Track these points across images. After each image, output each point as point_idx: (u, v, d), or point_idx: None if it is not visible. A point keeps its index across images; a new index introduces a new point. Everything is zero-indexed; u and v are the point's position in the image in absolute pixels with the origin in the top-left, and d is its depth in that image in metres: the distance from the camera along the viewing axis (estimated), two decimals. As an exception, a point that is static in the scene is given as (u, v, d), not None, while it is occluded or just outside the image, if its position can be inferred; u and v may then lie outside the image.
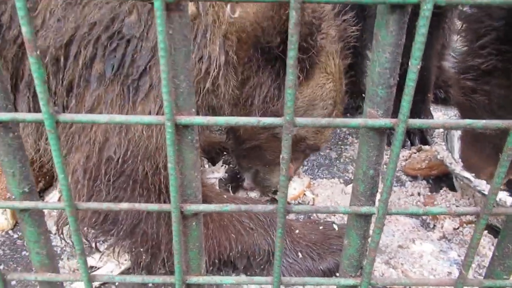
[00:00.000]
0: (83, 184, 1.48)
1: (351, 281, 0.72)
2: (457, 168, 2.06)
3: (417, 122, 0.57)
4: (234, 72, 1.50)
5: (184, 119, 0.57)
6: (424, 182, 2.41)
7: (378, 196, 0.64)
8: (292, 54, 0.52)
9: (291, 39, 0.51)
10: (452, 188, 2.28)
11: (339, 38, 1.75)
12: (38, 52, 0.52)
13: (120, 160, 1.42)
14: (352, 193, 0.67)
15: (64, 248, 1.90)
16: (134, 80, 1.36)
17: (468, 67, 1.76)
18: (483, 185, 1.95)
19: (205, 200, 1.70)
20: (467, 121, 0.57)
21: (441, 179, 2.38)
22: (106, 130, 1.41)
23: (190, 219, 0.67)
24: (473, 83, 1.77)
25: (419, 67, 0.52)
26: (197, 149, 0.62)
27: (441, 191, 2.26)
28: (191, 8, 1.33)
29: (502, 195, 1.88)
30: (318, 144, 1.96)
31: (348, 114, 3.03)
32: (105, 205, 0.64)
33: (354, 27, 1.78)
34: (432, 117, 2.87)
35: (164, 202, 1.53)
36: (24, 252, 1.89)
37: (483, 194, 1.93)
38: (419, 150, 2.62)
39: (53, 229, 1.86)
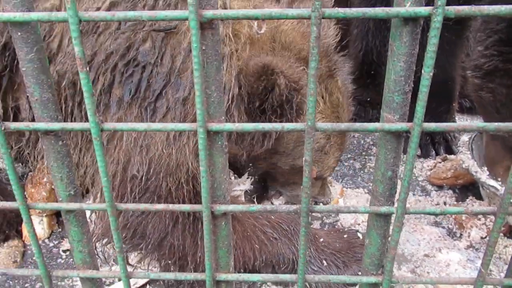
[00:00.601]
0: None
1: (373, 279, 0.76)
2: (483, 176, 2.05)
3: (431, 125, 0.61)
4: (247, 103, 1.53)
5: (215, 126, 0.63)
6: (450, 191, 2.40)
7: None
8: (313, 65, 0.57)
9: (313, 51, 0.56)
10: (479, 197, 2.26)
11: (333, 71, 1.76)
12: (87, 69, 0.59)
13: (143, 178, 1.50)
14: (372, 194, 0.71)
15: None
16: (151, 103, 1.43)
17: (475, 66, 1.84)
18: (510, 193, 1.93)
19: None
20: (480, 124, 0.61)
21: (468, 188, 2.36)
22: (128, 150, 1.49)
23: (220, 219, 0.72)
24: (479, 81, 1.84)
25: (431, 74, 0.56)
26: (226, 153, 0.68)
27: (467, 200, 2.25)
28: (259, 25, 1.44)
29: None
30: (322, 172, 1.96)
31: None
32: (142, 206, 0.70)
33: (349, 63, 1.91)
34: (457, 126, 2.85)
35: (188, 215, 1.60)
36: (59, 260, 1.98)
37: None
38: (444, 159, 2.61)
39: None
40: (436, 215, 2.16)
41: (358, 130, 0.62)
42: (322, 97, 1.74)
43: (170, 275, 0.77)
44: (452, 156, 2.60)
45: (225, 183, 0.70)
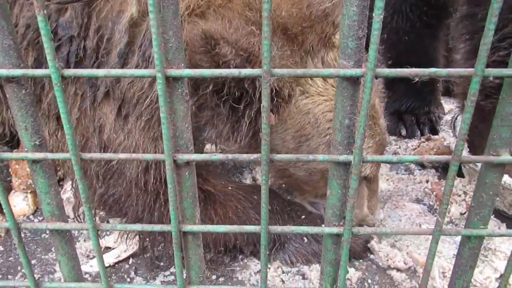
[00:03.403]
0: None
1: (335, 230, 0.78)
2: (463, 153, 2.07)
3: (385, 71, 0.62)
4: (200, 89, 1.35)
5: (174, 71, 0.64)
6: (433, 170, 2.43)
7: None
8: (266, 6, 0.58)
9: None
10: (460, 175, 2.29)
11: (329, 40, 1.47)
12: (45, 11, 0.60)
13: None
14: (332, 144, 0.72)
15: (81, 232, 1.99)
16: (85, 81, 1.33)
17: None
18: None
19: (210, 192, 1.70)
20: (432, 69, 0.62)
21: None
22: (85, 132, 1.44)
23: (184, 169, 0.73)
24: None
25: (381, 17, 0.57)
26: (187, 101, 0.69)
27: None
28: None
29: (507, 179, 1.89)
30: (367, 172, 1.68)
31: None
32: (107, 155, 0.72)
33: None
34: (442, 108, 2.88)
35: (164, 199, 1.56)
36: (44, 235, 1.99)
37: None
38: (428, 139, 2.64)
39: (71, 214, 1.96)
40: (392, 163, 2.30)
41: (313, 75, 0.63)
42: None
43: (136, 227, 0.79)
44: (436, 136, 2.63)
45: (187, 132, 0.71)
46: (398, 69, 0.63)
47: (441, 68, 2.47)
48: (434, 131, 2.73)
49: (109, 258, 1.78)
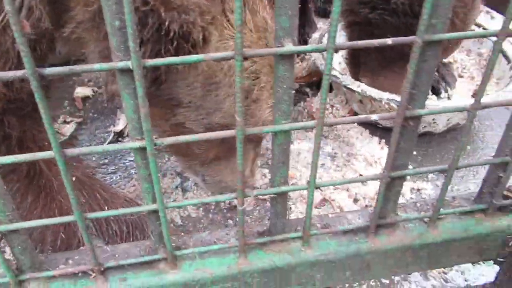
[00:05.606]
0: None
1: (137, 144, 0.74)
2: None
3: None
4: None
5: None
6: (308, 88, 2.52)
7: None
8: None
9: None
10: (330, 90, 2.40)
11: None
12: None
13: None
14: (111, 52, 0.67)
15: None
16: None
17: None
18: (348, 80, 2.07)
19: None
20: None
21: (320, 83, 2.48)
22: None
23: None
24: None
25: None
26: None
27: (318, 93, 2.38)
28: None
29: (367, 88, 2.02)
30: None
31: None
32: None
33: None
34: (316, 27, 2.94)
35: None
36: None
37: (348, 88, 2.05)
38: (302, 59, 2.71)
39: None
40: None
41: None
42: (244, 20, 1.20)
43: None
44: (308, 56, 2.70)
45: None
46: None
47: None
48: (308, 50, 2.80)
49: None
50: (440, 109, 0.85)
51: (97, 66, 0.65)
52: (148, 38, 0.99)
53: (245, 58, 0.67)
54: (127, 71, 0.67)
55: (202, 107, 1.26)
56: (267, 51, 0.70)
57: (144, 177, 0.80)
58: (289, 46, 0.69)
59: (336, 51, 0.69)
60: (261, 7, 1.24)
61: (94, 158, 2.00)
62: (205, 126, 1.32)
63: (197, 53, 1.09)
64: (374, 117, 0.82)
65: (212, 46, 1.13)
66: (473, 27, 2.59)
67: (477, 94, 0.82)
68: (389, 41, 0.70)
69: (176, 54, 1.04)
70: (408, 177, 1.91)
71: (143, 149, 0.75)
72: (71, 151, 0.72)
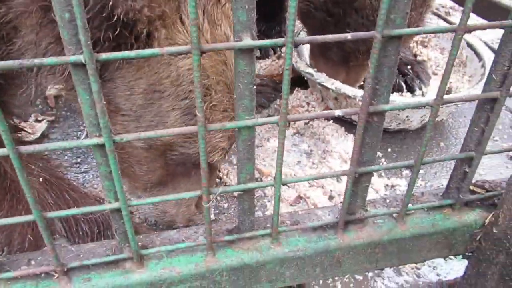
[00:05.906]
0: None
1: (95, 140, 0.73)
2: (302, 65, 2.16)
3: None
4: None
5: None
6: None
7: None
8: None
9: None
10: (306, 87, 2.41)
11: None
12: None
13: None
14: (64, 46, 0.65)
15: None
16: None
17: None
18: (323, 78, 2.08)
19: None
20: None
21: (297, 80, 2.47)
22: None
23: None
24: None
25: None
26: None
27: (295, 90, 2.39)
28: None
29: (341, 86, 2.03)
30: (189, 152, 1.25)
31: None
32: None
33: None
34: (293, 26, 2.94)
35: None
36: None
37: (323, 86, 2.06)
38: (279, 57, 2.70)
39: None
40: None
41: None
42: (200, 29, 1.09)
43: None
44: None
45: None
46: None
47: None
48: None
49: None
50: (403, 104, 0.85)
51: (48, 60, 0.63)
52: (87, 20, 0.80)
53: (203, 52, 0.66)
54: (81, 66, 0.65)
55: (142, 118, 1.11)
56: (225, 45, 0.69)
57: (105, 175, 0.78)
58: (247, 40, 0.69)
59: (296, 45, 0.69)
60: (224, 21, 1.13)
61: (66, 157, 1.96)
62: (147, 143, 1.17)
63: (138, 49, 0.97)
64: (337, 112, 0.82)
65: (157, 44, 1.01)
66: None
67: (439, 89, 0.82)
68: (348, 36, 0.69)
69: (117, 45, 0.94)
70: (382, 174, 1.92)
71: (102, 146, 0.74)
72: (26, 148, 0.70)
